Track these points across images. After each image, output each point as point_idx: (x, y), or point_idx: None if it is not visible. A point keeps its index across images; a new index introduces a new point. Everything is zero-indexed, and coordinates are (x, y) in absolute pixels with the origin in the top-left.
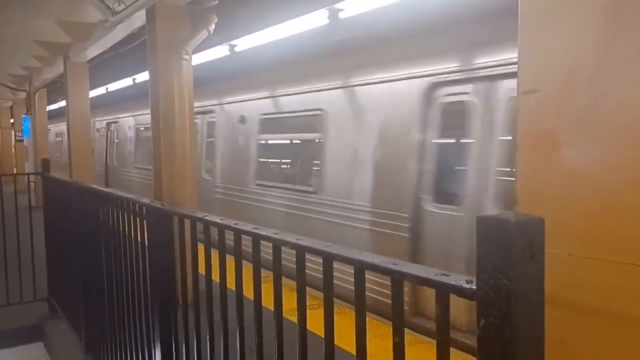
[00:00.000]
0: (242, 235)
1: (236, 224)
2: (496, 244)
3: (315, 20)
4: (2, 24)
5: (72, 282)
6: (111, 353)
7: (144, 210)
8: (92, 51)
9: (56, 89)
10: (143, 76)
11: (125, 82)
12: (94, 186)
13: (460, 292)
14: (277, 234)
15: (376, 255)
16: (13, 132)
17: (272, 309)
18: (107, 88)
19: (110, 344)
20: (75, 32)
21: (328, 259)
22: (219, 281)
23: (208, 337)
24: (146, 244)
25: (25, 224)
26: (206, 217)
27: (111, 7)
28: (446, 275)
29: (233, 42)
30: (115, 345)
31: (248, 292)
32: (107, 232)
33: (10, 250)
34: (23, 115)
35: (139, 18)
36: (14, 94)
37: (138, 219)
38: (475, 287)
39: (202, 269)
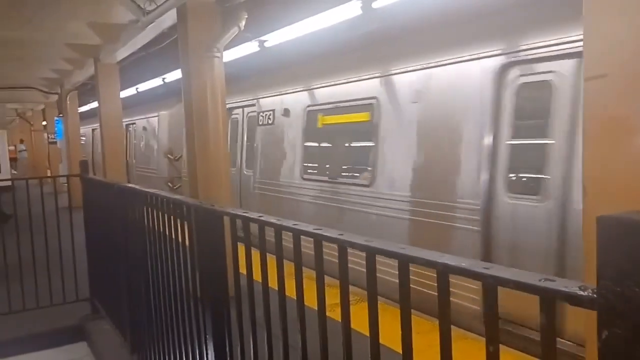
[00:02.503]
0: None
1: (295, 224)
2: (622, 247)
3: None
4: (34, 29)
5: (116, 282)
6: (161, 352)
7: (193, 211)
8: (122, 52)
9: (86, 91)
10: (172, 75)
11: (155, 82)
12: (137, 186)
13: (573, 299)
14: (342, 234)
15: (462, 258)
16: (45, 135)
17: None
18: (137, 89)
19: (158, 344)
20: (106, 33)
21: (404, 262)
22: (271, 280)
23: (265, 333)
24: (193, 243)
25: (63, 226)
26: (261, 218)
27: (142, 7)
28: (552, 280)
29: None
30: (164, 344)
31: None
32: (151, 233)
33: (51, 251)
34: (56, 118)
35: (170, 17)
36: (46, 97)
37: (179, 219)
38: (594, 295)
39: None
